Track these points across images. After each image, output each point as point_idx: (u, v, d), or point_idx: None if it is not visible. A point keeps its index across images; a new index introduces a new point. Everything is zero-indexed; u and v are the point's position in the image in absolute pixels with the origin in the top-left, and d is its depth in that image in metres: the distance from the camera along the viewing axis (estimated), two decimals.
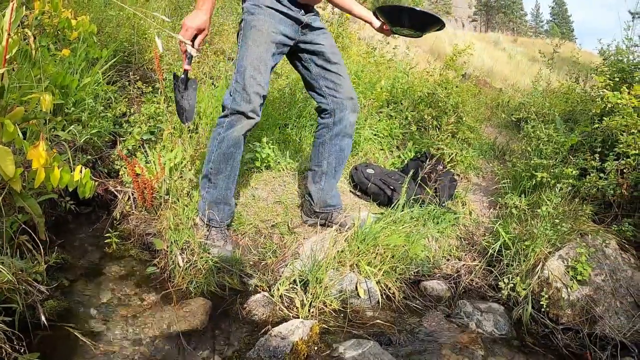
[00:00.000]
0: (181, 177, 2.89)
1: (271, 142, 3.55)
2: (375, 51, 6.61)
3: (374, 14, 2.57)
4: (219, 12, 6.10)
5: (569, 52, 6.63)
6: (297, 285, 2.33)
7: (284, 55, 2.58)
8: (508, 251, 2.77)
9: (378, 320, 2.31)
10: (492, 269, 2.81)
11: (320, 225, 2.87)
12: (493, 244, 2.84)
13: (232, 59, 4.83)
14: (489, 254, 2.82)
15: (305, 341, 1.97)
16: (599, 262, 2.64)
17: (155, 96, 3.62)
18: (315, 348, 2.02)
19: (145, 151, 3.20)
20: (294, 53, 2.62)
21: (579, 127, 4.01)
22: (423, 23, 2.43)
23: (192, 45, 2.20)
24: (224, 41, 5.44)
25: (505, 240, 2.80)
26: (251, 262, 2.61)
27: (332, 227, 2.79)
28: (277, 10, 2.40)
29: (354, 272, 2.49)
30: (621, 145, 3.22)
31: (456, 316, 2.48)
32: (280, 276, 2.46)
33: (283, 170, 3.44)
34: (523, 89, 7.92)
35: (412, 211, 3.01)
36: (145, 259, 2.59)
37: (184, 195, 2.81)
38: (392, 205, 3.01)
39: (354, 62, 5.48)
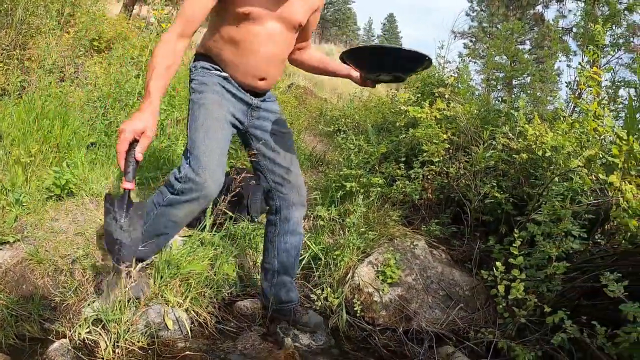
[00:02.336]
0: None
1: (74, 164, 3.28)
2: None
3: (342, 60, 2.02)
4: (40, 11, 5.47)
5: None
6: (97, 327, 2.15)
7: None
8: (320, 262, 2.85)
9: (189, 352, 2.22)
10: (306, 282, 2.87)
11: (284, 325, 2.55)
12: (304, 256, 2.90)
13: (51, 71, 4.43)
14: (300, 266, 2.88)
15: None
16: (408, 263, 2.83)
17: None
18: None
19: None
20: (245, 139, 2.39)
21: (388, 138, 4.29)
22: (409, 63, 1.94)
23: (132, 156, 1.78)
24: (37, 46, 4.94)
25: (315, 252, 2.88)
26: (52, 305, 2.37)
27: (299, 327, 2.51)
28: (225, 89, 2.20)
29: (160, 303, 2.38)
30: (425, 154, 3.51)
31: (273, 334, 2.47)
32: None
33: (86, 196, 3.20)
34: (350, 98, 8.32)
35: (218, 232, 2.95)
36: None
37: None
38: (198, 227, 2.92)
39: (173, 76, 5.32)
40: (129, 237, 1.81)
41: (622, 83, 5.04)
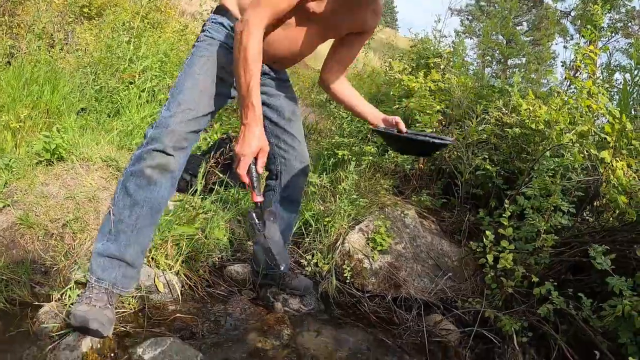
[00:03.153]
0: None
1: (64, 129, 3.24)
2: (187, 29, 6.37)
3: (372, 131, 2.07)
4: None
5: (388, 37, 7.09)
6: None
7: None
8: (311, 228, 2.86)
9: (179, 315, 2.22)
10: (296, 247, 2.88)
11: (274, 289, 2.54)
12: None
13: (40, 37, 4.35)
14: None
15: (97, 349, 1.82)
16: (398, 232, 2.84)
17: None
18: (112, 355, 1.87)
19: None
20: None
21: (381, 107, 4.27)
22: (436, 149, 2.11)
23: (254, 171, 1.72)
24: (27, 12, 4.85)
25: (306, 218, 2.89)
26: (42, 269, 2.35)
27: (288, 291, 2.50)
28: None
29: (150, 266, 2.38)
30: (418, 125, 3.50)
31: (263, 299, 2.48)
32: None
33: (76, 161, 3.18)
34: None
35: (210, 196, 2.94)
36: None
37: None
38: (190, 191, 2.91)
39: (165, 42, 5.23)
40: (274, 242, 1.81)
41: (618, 68, 5.04)
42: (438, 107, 3.52)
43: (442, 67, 3.91)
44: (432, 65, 3.95)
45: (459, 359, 2.21)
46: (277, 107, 2.23)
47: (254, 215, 1.77)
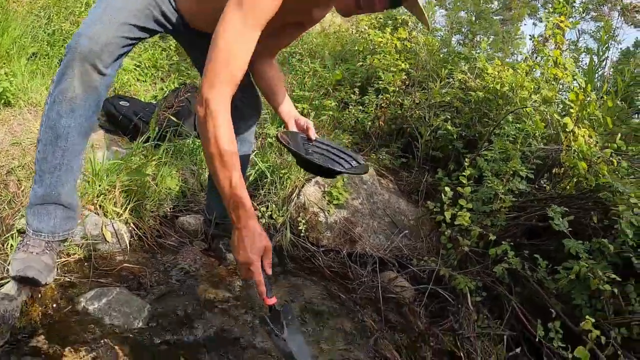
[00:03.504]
0: None
1: (13, 74, 3.01)
2: None
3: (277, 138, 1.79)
4: None
5: None
6: None
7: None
8: (266, 180, 2.76)
9: (127, 265, 2.09)
10: (251, 199, 2.77)
11: (227, 241, 2.36)
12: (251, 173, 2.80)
13: None
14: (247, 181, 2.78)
15: (38, 300, 1.69)
16: (356, 187, 2.78)
17: None
18: (54, 305, 1.74)
19: None
20: (190, 42, 2.03)
21: (345, 65, 4.16)
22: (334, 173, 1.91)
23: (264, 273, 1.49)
24: None
25: (262, 170, 2.78)
26: None
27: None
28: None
29: (97, 214, 2.22)
30: (381, 82, 3.41)
31: (215, 250, 2.36)
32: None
33: (24, 106, 2.96)
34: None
35: (163, 144, 2.77)
36: None
37: None
38: (142, 139, 2.72)
39: None
40: (296, 345, 1.62)
41: (585, 50, 5.10)
42: (403, 66, 3.43)
43: (409, 24, 3.82)
44: (399, 23, 3.86)
45: (413, 315, 2.18)
46: None
47: (268, 320, 1.59)
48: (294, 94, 3.43)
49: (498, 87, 2.94)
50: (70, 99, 1.61)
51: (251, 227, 1.42)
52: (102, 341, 1.62)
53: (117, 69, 1.70)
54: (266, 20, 1.42)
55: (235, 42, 1.41)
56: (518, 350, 2.04)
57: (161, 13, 1.72)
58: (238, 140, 2.15)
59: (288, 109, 1.99)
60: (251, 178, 2.80)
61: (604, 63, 4.07)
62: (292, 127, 1.95)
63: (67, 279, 1.89)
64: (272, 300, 1.54)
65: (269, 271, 1.49)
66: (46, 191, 1.68)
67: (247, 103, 2.13)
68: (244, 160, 2.29)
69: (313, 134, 1.91)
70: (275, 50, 2.06)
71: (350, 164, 1.84)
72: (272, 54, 2.02)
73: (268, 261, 1.48)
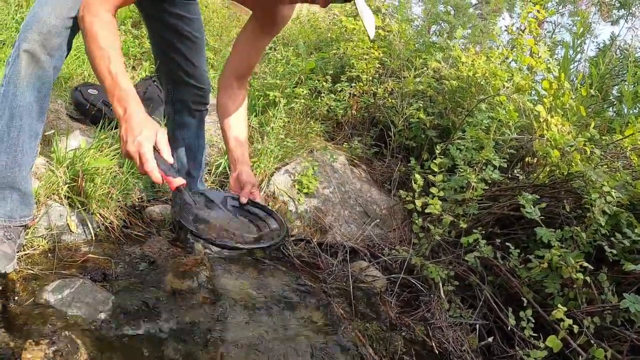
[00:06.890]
0: None
1: None
2: None
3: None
4: None
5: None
6: None
7: None
8: None
9: (92, 255, 2.00)
10: (219, 188, 2.70)
11: None
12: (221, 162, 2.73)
13: None
14: (217, 172, 2.70)
15: None
16: (327, 176, 2.73)
17: None
18: (15, 298, 1.65)
19: None
20: (150, 22, 2.04)
21: (319, 55, 4.10)
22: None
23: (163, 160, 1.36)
24: None
25: None
26: None
27: None
28: None
29: (62, 203, 2.12)
30: (354, 71, 3.36)
31: (183, 240, 2.30)
32: None
33: None
34: None
35: None
36: None
37: None
38: (108, 126, 2.60)
39: None
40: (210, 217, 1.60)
41: (561, 43, 5.12)
42: (376, 54, 3.39)
43: (382, 11, 3.77)
44: (375, 9, 3.81)
45: (384, 305, 2.14)
46: (182, 31, 2.02)
47: (183, 195, 1.52)
48: (265, 81, 3.36)
49: (471, 74, 2.91)
50: (21, 79, 1.60)
51: (136, 116, 1.34)
52: (64, 333, 1.53)
53: (66, 50, 1.67)
54: None
55: None
56: (490, 339, 2.01)
57: None
58: (185, 126, 2.23)
59: (242, 158, 1.90)
60: (221, 167, 2.73)
61: (579, 56, 4.09)
62: (233, 180, 1.88)
63: (30, 271, 1.81)
64: (179, 181, 1.39)
65: (170, 159, 1.37)
66: (2, 173, 1.64)
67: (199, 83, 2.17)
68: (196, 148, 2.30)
69: (257, 196, 1.81)
70: (245, 72, 2.01)
71: (269, 228, 1.69)
72: (241, 78, 1.98)
73: (166, 152, 1.36)
